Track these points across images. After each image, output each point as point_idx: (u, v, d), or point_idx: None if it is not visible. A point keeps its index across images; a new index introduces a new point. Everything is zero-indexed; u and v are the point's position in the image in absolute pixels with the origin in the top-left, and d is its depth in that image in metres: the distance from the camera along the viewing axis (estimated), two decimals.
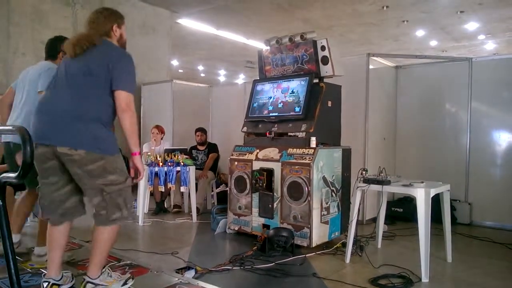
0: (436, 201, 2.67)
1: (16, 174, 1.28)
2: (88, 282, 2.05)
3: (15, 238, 2.79)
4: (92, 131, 1.94)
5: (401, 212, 4.19)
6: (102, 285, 2.07)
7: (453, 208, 3.76)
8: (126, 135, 1.98)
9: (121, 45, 2.15)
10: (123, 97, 1.95)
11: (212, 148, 5.10)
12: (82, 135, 1.92)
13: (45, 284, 2.07)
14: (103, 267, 2.13)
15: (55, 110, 1.95)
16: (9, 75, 5.71)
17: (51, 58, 2.78)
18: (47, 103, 2.01)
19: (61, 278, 2.12)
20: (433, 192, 2.55)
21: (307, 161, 3.04)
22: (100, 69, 1.96)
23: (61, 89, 2.00)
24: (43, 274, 2.23)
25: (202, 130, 5.12)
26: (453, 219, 3.53)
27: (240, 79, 15.36)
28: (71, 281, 2.18)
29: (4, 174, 1.36)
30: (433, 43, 10.13)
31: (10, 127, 1.49)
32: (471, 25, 8.54)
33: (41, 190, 2.08)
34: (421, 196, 2.50)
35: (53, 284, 2.08)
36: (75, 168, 1.95)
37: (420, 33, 9.24)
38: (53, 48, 2.78)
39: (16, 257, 1.34)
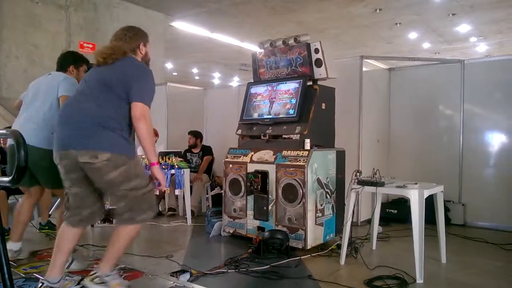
0: (430, 202, 2.68)
1: (10, 178, 1.26)
2: (97, 276, 2.08)
3: (15, 246, 2.76)
4: (111, 138, 1.98)
5: (396, 213, 4.21)
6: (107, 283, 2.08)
7: (447, 209, 3.78)
8: (142, 145, 2.02)
9: (145, 62, 2.23)
10: (138, 107, 1.99)
11: (207, 150, 5.09)
12: (102, 140, 1.96)
13: (39, 285, 2.09)
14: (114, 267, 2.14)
15: (76, 118, 2.01)
16: (2, 78, 5.67)
17: (62, 71, 2.82)
18: (68, 112, 2.08)
19: (58, 281, 2.11)
20: (426, 193, 2.56)
21: (301, 163, 3.04)
22: (118, 83, 2.02)
23: (82, 98, 2.07)
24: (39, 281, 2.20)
25: (192, 133, 5.09)
26: (447, 220, 3.55)
27: (235, 81, 15.36)
28: (75, 285, 2.19)
29: None
30: (426, 45, 10.23)
31: (4, 131, 1.47)
32: (463, 28, 8.65)
33: (67, 195, 2.16)
34: (415, 198, 2.51)
35: (49, 287, 2.08)
36: (97, 177, 2.00)
37: (413, 35, 9.33)
38: (65, 61, 2.84)
39: (10, 262, 1.33)
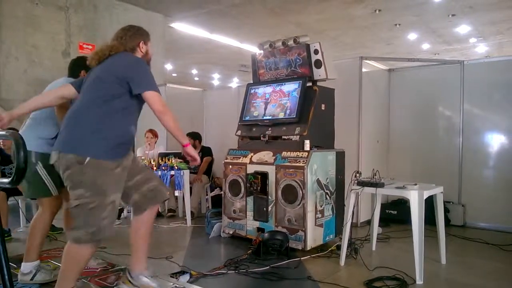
0: (429, 203, 2.68)
1: (10, 179, 1.27)
2: None
3: (31, 266, 2.39)
4: (78, 137, 1.86)
5: (395, 214, 4.21)
6: None
7: (446, 210, 3.78)
8: (172, 134, 2.02)
9: (146, 61, 2.18)
10: (155, 99, 1.92)
11: (206, 151, 5.08)
12: (68, 139, 1.86)
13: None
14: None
15: (67, 119, 1.95)
16: (2, 80, 5.66)
17: (73, 77, 2.77)
18: (66, 116, 2.03)
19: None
20: (426, 194, 2.56)
21: (301, 164, 3.04)
22: (108, 77, 1.93)
23: (75, 101, 2.04)
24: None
25: (190, 135, 5.02)
26: (447, 221, 3.55)
27: (234, 82, 15.37)
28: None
29: None
30: (425, 46, 10.24)
31: (3, 132, 1.47)
32: (463, 28, 8.65)
33: None
34: (415, 199, 2.51)
35: None
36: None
37: (412, 36, 9.34)
38: (75, 67, 2.80)
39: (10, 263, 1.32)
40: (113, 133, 1.91)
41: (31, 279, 2.38)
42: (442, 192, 2.80)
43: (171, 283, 2.33)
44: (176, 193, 4.19)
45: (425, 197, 2.54)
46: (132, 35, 2.14)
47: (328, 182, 3.25)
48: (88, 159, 1.81)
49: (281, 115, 3.35)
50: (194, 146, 5.08)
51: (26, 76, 5.70)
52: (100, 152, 1.85)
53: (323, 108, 3.37)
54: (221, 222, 3.61)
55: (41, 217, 2.46)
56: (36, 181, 2.41)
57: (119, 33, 2.15)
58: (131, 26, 2.20)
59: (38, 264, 2.44)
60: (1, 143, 3.91)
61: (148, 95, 1.93)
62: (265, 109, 3.49)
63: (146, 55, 2.19)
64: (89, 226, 1.82)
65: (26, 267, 2.40)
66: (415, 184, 2.64)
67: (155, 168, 4.09)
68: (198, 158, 2.13)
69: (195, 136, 5.11)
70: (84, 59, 2.91)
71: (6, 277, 1.24)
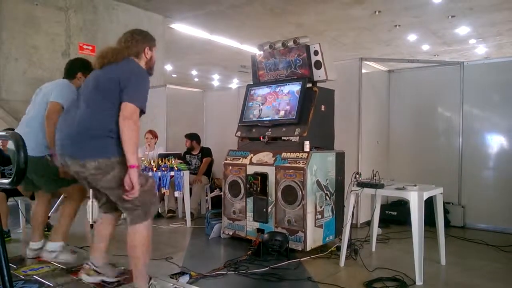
0: (429, 204, 2.68)
1: (10, 180, 1.27)
2: None
3: (56, 246, 2.72)
4: (98, 145, 1.96)
5: (395, 215, 4.21)
6: None
7: (446, 211, 3.79)
8: (123, 145, 1.93)
9: (149, 66, 2.21)
10: (128, 108, 1.94)
11: (206, 152, 5.08)
12: (89, 149, 1.96)
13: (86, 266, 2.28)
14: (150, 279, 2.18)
15: (68, 128, 2.03)
16: (2, 80, 5.67)
17: (69, 78, 2.82)
18: (63, 120, 2.11)
19: (101, 266, 2.29)
20: (426, 195, 2.57)
21: (301, 165, 3.04)
22: (109, 83, 2.00)
23: (75, 105, 2.09)
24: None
25: (188, 136, 5.08)
26: (447, 222, 3.55)
27: (234, 83, 15.38)
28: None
29: None
30: (425, 47, 10.25)
31: (4, 133, 1.48)
32: (462, 30, 8.67)
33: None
34: (415, 199, 2.51)
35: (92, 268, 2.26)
36: (93, 183, 2.06)
37: (412, 37, 9.36)
38: (72, 69, 2.84)
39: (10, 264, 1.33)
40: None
41: (54, 258, 2.70)
42: (442, 193, 2.80)
43: (171, 284, 2.33)
44: (176, 194, 4.18)
45: (425, 198, 2.54)
46: (140, 39, 2.15)
47: (328, 183, 3.25)
48: (118, 158, 1.99)
49: (281, 116, 3.36)
50: (192, 147, 5.08)
51: (26, 77, 5.70)
52: (120, 150, 1.98)
53: (323, 109, 3.38)
54: (221, 223, 3.61)
55: (69, 204, 2.77)
56: (53, 173, 2.59)
57: (127, 37, 2.15)
58: (139, 31, 2.22)
59: (62, 245, 2.73)
60: (1, 144, 3.91)
61: (127, 106, 1.95)
62: (265, 110, 3.49)
63: (150, 61, 2.21)
64: (146, 206, 2.08)
65: (51, 245, 2.70)
66: (415, 185, 2.65)
67: (155, 169, 4.09)
68: (137, 189, 1.95)
69: (192, 137, 5.11)
70: (81, 61, 2.96)
71: (6, 278, 1.24)
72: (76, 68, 2.82)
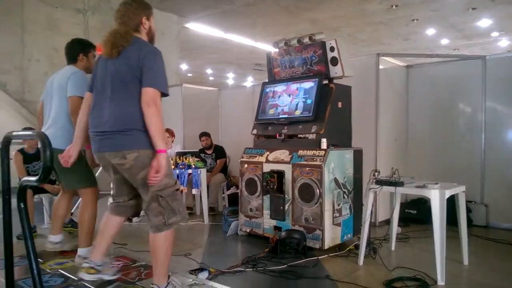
0: (451, 203, 2.62)
1: (37, 178, 1.33)
2: None
3: (56, 238, 2.93)
4: (136, 136, 1.97)
5: (415, 214, 4.13)
6: None
7: (468, 210, 3.68)
8: (149, 132, 1.92)
9: (150, 38, 2.14)
10: (149, 93, 1.91)
11: (219, 151, 5.09)
12: (128, 140, 1.97)
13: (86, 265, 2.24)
14: (168, 277, 2.16)
15: (102, 123, 2.01)
16: (25, 82, 5.85)
17: (72, 62, 2.84)
18: (94, 115, 2.08)
19: (101, 265, 2.26)
20: (448, 193, 2.50)
21: (318, 163, 3.02)
22: (130, 74, 1.96)
23: (103, 99, 2.04)
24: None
25: (206, 135, 5.10)
26: (469, 221, 3.46)
27: (249, 81, 15.40)
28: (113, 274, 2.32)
29: (25, 178, 1.42)
30: (444, 41, 10.00)
31: (30, 132, 1.53)
32: (484, 22, 8.40)
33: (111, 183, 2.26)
34: (436, 198, 2.45)
35: (91, 266, 2.22)
36: (131, 177, 2.06)
37: (430, 31, 9.14)
38: (72, 52, 2.84)
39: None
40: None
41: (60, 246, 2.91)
42: (464, 192, 2.73)
43: (190, 280, 2.36)
44: (194, 191, 4.23)
45: (446, 197, 2.48)
46: (135, 10, 2.06)
47: (345, 181, 3.22)
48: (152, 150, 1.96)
49: (297, 114, 3.34)
50: (210, 145, 5.07)
51: (47, 78, 5.85)
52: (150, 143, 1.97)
53: (339, 106, 3.34)
54: (238, 220, 3.63)
55: (85, 209, 2.72)
56: (81, 169, 2.63)
57: (121, 10, 2.06)
58: (132, 0, 2.09)
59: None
60: (24, 142, 4.03)
61: (148, 91, 1.91)
62: (281, 107, 3.48)
63: (149, 31, 2.12)
64: (181, 208, 2.11)
65: (83, 251, 2.70)
66: (436, 183, 2.59)
67: (173, 166, 4.13)
68: (164, 173, 1.94)
69: (208, 134, 5.10)
70: (78, 42, 2.90)
71: (35, 271, 1.29)
72: (76, 51, 2.82)
